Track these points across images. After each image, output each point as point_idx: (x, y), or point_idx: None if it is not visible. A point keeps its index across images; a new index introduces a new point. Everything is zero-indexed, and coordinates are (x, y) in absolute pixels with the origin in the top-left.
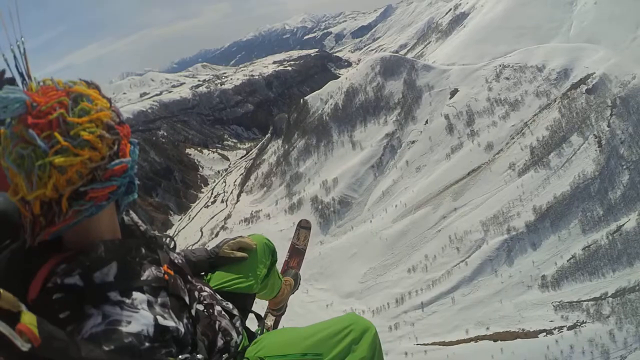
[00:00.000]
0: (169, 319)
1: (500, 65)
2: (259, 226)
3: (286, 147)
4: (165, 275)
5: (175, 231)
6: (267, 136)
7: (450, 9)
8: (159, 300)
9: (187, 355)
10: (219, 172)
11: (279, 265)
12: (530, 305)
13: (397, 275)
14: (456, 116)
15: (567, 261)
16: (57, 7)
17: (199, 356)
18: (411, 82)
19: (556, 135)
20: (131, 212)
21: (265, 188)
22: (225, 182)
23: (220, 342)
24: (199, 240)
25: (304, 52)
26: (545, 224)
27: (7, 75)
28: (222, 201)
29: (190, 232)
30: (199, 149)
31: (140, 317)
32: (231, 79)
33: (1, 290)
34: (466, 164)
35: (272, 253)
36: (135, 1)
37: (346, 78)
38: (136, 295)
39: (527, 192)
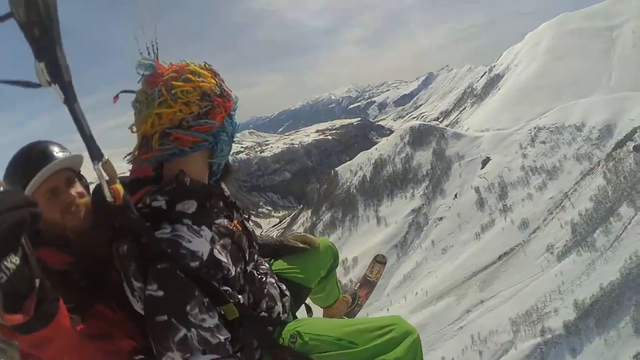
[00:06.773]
0: (225, 257)
1: (535, 128)
2: None
3: (314, 219)
4: (234, 228)
5: None
6: (300, 206)
7: (485, 72)
8: (222, 241)
9: (231, 291)
10: None
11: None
12: None
13: None
14: (487, 189)
15: None
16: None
17: (240, 296)
18: (440, 151)
19: (602, 207)
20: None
21: None
22: None
23: (264, 305)
24: None
25: (346, 121)
26: (589, 324)
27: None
28: None
29: None
30: None
31: (200, 241)
32: (272, 146)
33: (107, 158)
34: (497, 245)
35: (335, 257)
36: None
37: (376, 149)
38: (204, 228)
39: (567, 281)
